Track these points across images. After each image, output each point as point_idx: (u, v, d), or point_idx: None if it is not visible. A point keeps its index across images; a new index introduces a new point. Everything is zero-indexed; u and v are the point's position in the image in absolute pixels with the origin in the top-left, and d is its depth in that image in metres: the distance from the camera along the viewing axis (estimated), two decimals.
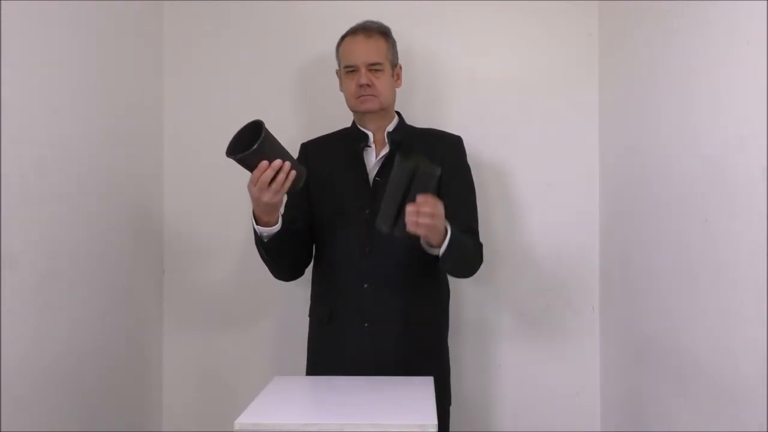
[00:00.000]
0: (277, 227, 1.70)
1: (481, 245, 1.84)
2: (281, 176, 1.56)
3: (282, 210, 1.76)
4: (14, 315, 1.52)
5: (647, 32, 1.86)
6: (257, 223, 1.70)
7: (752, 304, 1.31)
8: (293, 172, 1.57)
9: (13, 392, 1.51)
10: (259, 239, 1.73)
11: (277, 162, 1.55)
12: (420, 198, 1.52)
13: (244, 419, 1.34)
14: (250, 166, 1.56)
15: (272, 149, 1.56)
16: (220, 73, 2.31)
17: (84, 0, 1.83)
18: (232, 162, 2.30)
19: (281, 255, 1.78)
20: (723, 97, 1.44)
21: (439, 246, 1.62)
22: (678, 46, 1.66)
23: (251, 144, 1.52)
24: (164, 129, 2.32)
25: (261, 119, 1.56)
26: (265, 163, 1.55)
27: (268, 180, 1.56)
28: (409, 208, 1.51)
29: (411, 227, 1.52)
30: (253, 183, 1.58)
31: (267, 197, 1.58)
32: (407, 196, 1.53)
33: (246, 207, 2.29)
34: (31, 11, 1.60)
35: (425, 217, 1.51)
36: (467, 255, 1.76)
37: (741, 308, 1.37)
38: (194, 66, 2.31)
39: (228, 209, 2.30)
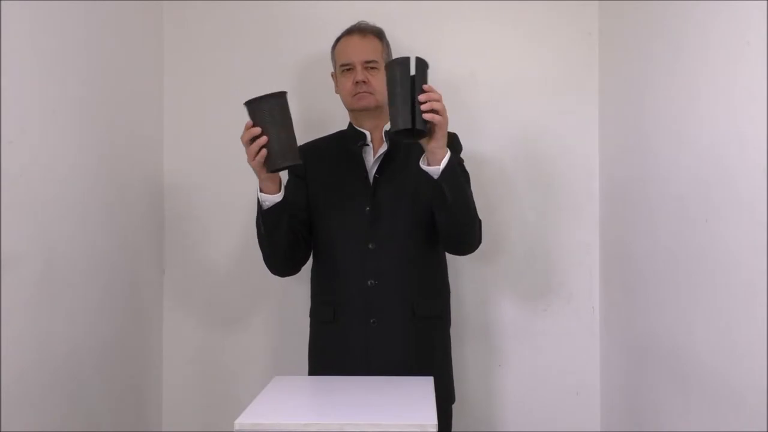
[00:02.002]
0: (278, 197, 1.72)
1: (480, 220, 1.82)
2: (253, 146, 1.61)
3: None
4: (14, 315, 1.52)
5: (647, 32, 1.86)
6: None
7: (752, 304, 1.31)
8: (264, 151, 1.61)
9: (13, 392, 1.51)
10: (259, 209, 1.75)
11: (254, 130, 1.61)
12: (426, 87, 1.56)
13: (244, 419, 1.34)
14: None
15: (269, 117, 1.60)
16: (220, 73, 2.31)
17: (84, 0, 1.83)
18: (232, 163, 2.31)
19: (279, 233, 1.77)
20: (723, 97, 1.44)
21: (440, 163, 1.62)
22: (678, 46, 1.66)
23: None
24: (164, 129, 2.32)
25: (283, 94, 1.64)
26: (249, 123, 1.62)
27: (246, 140, 1.63)
28: (422, 97, 1.55)
29: (428, 116, 1.54)
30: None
31: (248, 157, 1.65)
32: (415, 91, 1.55)
33: (246, 209, 2.30)
34: (31, 11, 1.60)
35: (438, 102, 1.55)
36: (468, 197, 1.73)
37: (741, 308, 1.37)
38: (194, 66, 2.31)
39: (228, 209, 2.30)
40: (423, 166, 1.64)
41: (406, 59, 1.57)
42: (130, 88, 2.10)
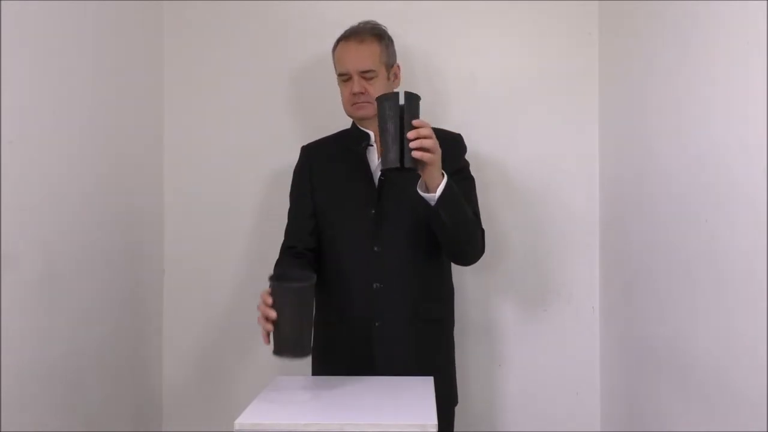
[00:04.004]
0: None
1: (483, 230, 1.82)
2: (262, 326, 1.52)
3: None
4: (14, 315, 1.52)
5: (647, 32, 1.86)
6: None
7: (752, 304, 1.32)
8: (268, 334, 1.52)
9: (13, 392, 1.51)
10: None
11: (270, 312, 1.50)
12: (416, 122, 1.52)
13: (244, 419, 1.34)
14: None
15: (288, 304, 1.50)
16: (221, 73, 2.31)
17: (84, 0, 1.83)
18: (232, 162, 2.32)
19: None
20: (723, 97, 1.44)
21: (435, 190, 1.61)
22: (678, 46, 1.66)
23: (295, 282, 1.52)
24: (164, 128, 2.32)
25: (313, 284, 1.53)
26: (266, 296, 1.53)
27: (259, 311, 1.53)
28: (411, 135, 1.51)
29: (416, 154, 1.51)
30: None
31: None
32: (404, 127, 1.52)
33: (246, 208, 2.30)
34: (31, 12, 1.60)
35: (427, 139, 1.51)
36: (467, 217, 1.71)
37: (741, 308, 1.37)
38: (195, 65, 2.32)
39: (228, 209, 2.30)
40: (420, 191, 1.63)
41: (395, 95, 1.54)
42: (131, 88, 2.10)
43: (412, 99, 1.54)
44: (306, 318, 1.52)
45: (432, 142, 1.53)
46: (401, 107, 1.52)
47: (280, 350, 1.50)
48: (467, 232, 1.74)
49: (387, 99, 1.54)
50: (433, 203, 1.62)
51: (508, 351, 2.27)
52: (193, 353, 2.31)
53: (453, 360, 1.93)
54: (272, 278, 1.53)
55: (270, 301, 1.51)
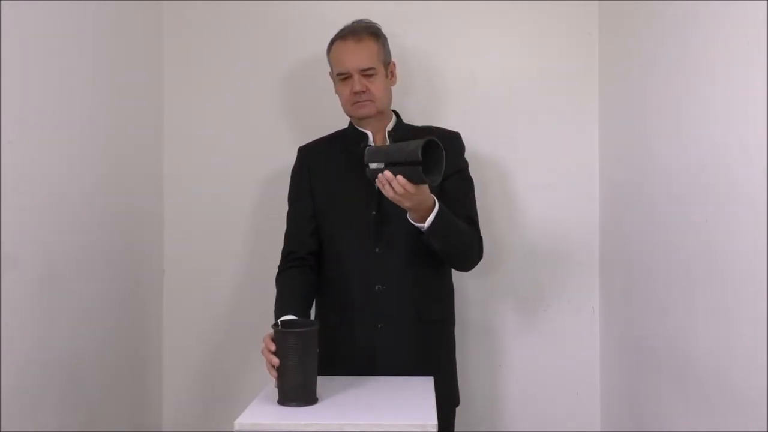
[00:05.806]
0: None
1: (480, 238, 1.83)
2: (270, 372, 1.52)
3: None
4: (14, 315, 1.52)
5: (647, 32, 1.86)
6: None
7: (752, 304, 1.32)
8: (274, 380, 1.51)
9: (13, 392, 1.51)
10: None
11: (274, 359, 1.49)
12: (400, 179, 1.51)
13: (244, 419, 1.34)
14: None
15: (287, 348, 1.48)
16: (221, 73, 2.31)
17: (84, 0, 1.83)
18: (231, 162, 2.32)
19: None
20: (723, 96, 1.44)
21: (424, 221, 1.62)
22: (678, 45, 1.66)
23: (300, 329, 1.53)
24: (164, 128, 2.32)
25: (316, 329, 1.52)
26: (269, 341, 1.52)
27: (264, 356, 1.53)
28: (387, 175, 1.52)
29: (378, 183, 1.55)
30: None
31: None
32: (396, 164, 1.53)
33: (246, 208, 2.30)
34: (31, 11, 1.60)
35: (391, 190, 1.53)
36: (460, 236, 1.73)
37: (740, 308, 1.37)
38: (195, 65, 2.31)
39: (228, 209, 2.30)
40: (410, 219, 1.64)
41: (419, 161, 1.47)
42: (131, 88, 2.10)
43: (417, 174, 1.49)
44: (310, 364, 1.50)
45: (391, 193, 1.53)
46: (414, 162, 1.48)
47: (284, 399, 1.48)
48: (463, 246, 1.76)
49: (421, 145, 1.48)
50: (423, 230, 1.64)
51: (509, 351, 2.26)
52: (193, 353, 2.31)
53: (454, 360, 1.93)
54: (275, 325, 1.53)
55: (273, 347, 1.50)
